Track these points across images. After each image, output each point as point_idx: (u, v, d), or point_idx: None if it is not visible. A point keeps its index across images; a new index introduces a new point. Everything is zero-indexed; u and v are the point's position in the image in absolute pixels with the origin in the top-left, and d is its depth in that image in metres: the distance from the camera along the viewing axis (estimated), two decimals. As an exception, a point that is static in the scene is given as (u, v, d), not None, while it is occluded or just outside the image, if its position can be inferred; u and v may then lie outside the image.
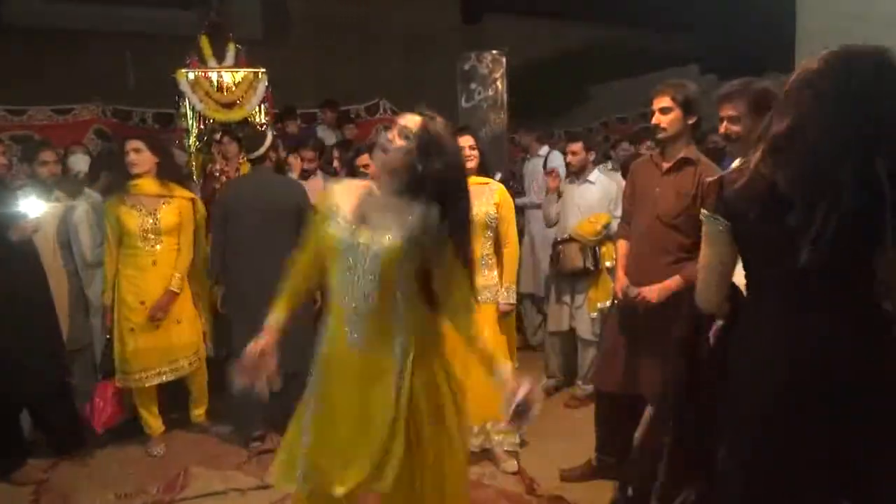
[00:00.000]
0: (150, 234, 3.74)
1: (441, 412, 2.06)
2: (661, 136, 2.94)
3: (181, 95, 4.99)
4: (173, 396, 4.09)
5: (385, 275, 1.93)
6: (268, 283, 3.46)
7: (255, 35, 10.11)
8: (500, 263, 3.63)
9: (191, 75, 4.96)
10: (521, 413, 1.87)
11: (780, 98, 1.73)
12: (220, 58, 5.12)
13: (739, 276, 1.89)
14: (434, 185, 1.90)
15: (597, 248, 4.22)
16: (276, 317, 2.15)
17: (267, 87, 5.18)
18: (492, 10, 13.17)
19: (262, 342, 2.06)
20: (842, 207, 1.56)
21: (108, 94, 7.28)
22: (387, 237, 1.93)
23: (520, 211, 4.37)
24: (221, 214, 3.87)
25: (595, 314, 4.25)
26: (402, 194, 1.94)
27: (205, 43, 5.09)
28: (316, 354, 2.10)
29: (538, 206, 5.45)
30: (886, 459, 1.67)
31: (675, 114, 2.89)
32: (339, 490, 1.95)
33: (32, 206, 3.62)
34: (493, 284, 3.56)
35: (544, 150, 5.85)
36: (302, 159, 4.99)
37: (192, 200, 3.97)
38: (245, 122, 5.06)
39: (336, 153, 4.69)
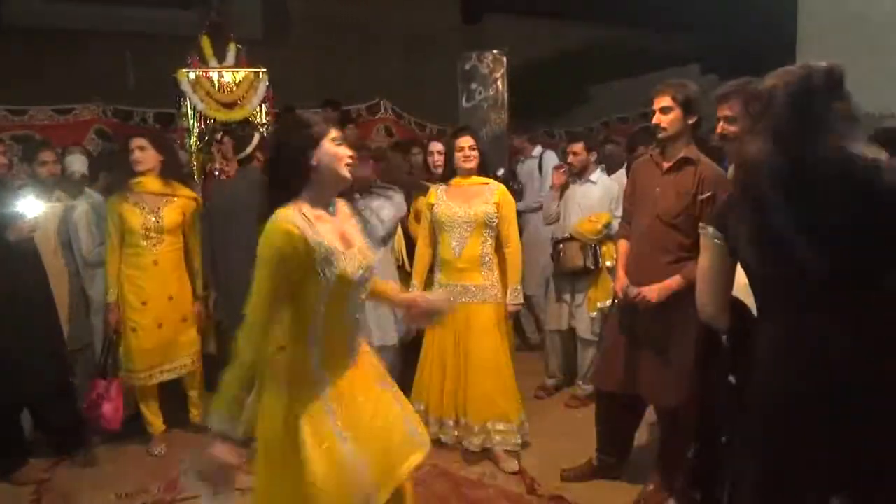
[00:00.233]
0: (152, 233, 3.74)
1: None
2: (661, 135, 2.94)
3: (182, 95, 4.99)
4: (173, 396, 4.09)
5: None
6: None
7: (255, 35, 10.11)
8: (500, 264, 3.63)
9: (192, 75, 4.96)
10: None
11: (749, 116, 1.77)
12: (220, 58, 5.12)
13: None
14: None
15: (597, 248, 4.22)
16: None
17: (268, 86, 5.18)
18: (492, 10, 13.17)
19: (229, 455, 1.85)
20: (835, 211, 1.60)
21: (108, 94, 7.26)
22: (367, 248, 1.97)
23: (518, 214, 4.37)
24: (209, 217, 3.87)
25: (595, 314, 4.25)
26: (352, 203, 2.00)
27: (205, 43, 5.09)
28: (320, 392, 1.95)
29: (534, 210, 5.46)
30: (887, 460, 1.68)
31: (676, 113, 2.89)
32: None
33: (32, 206, 3.62)
34: (492, 285, 3.56)
35: (537, 150, 5.84)
36: None
37: (196, 200, 3.98)
38: (246, 122, 5.06)
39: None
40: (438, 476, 3.50)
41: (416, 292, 2.76)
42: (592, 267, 4.20)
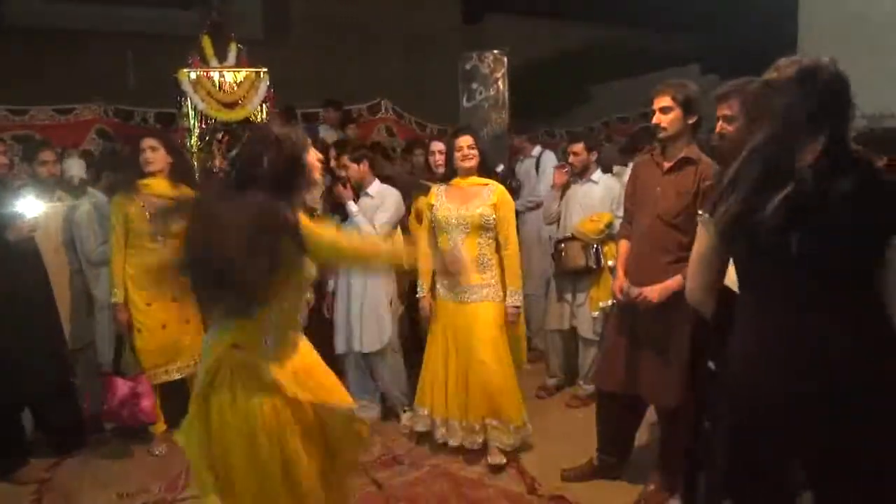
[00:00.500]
0: (159, 235, 3.74)
1: None
2: (661, 135, 2.94)
3: (183, 95, 4.99)
4: (175, 396, 4.09)
5: None
6: None
7: (256, 35, 10.13)
8: (501, 264, 3.61)
9: (192, 75, 4.95)
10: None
11: (748, 108, 1.78)
12: (221, 58, 5.11)
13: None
14: None
15: (599, 247, 4.22)
16: None
17: (268, 86, 5.18)
18: (492, 10, 13.19)
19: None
20: (826, 206, 1.62)
21: (109, 94, 7.28)
22: None
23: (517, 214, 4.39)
24: None
25: (597, 313, 4.25)
26: None
27: (206, 43, 5.08)
28: None
29: (530, 209, 5.47)
30: (878, 458, 1.70)
31: (676, 113, 2.89)
32: None
33: (32, 206, 3.63)
34: (490, 285, 3.55)
35: (536, 150, 5.84)
36: None
37: None
38: (247, 122, 5.06)
39: (334, 153, 4.69)
40: (439, 476, 3.50)
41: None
42: (594, 266, 4.20)
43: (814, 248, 1.66)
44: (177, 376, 3.84)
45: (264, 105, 5.21)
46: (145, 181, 3.73)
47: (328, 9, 11.90)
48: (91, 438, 3.99)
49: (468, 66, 6.29)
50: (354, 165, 4.00)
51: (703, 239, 1.94)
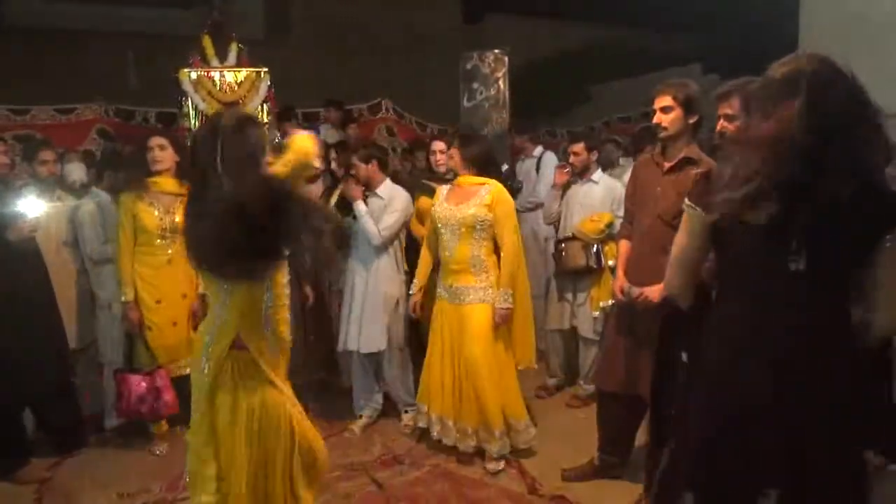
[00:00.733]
0: (167, 233, 3.75)
1: None
2: (662, 135, 2.94)
3: (184, 95, 4.99)
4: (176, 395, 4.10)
5: None
6: None
7: (256, 35, 10.12)
8: (499, 265, 3.60)
9: (193, 75, 4.95)
10: None
11: (755, 102, 1.78)
12: (222, 57, 5.11)
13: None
14: None
15: (600, 247, 4.22)
16: None
17: (269, 86, 5.18)
18: (493, 10, 13.18)
19: None
20: (820, 208, 1.63)
21: (110, 94, 7.28)
22: None
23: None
24: None
25: (598, 313, 4.25)
26: None
27: (207, 42, 5.08)
28: None
29: (529, 210, 5.47)
30: (829, 457, 1.73)
31: (677, 113, 2.89)
32: None
33: (33, 206, 3.63)
34: (484, 287, 3.53)
35: (538, 150, 5.84)
36: None
37: None
38: (247, 122, 5.06)
39: (335, 154, 4.70)
40: (439, 476, 3.50)
41: None
42: (595, 266, 4.20)
43: (812, 251, 1.67)
44: (184, 373, 3.85)
45: (265, 105, 5.21)
46: (154, 179, 3.75)
47: (329, 9, 11.90)
48: (91, 438, 3.99)
49: (469, 66, 6.29)
50: (363, 165, 3.96)
51: (688, 230, 1.92)
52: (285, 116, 6.38)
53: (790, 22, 6.18)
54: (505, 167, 5.20)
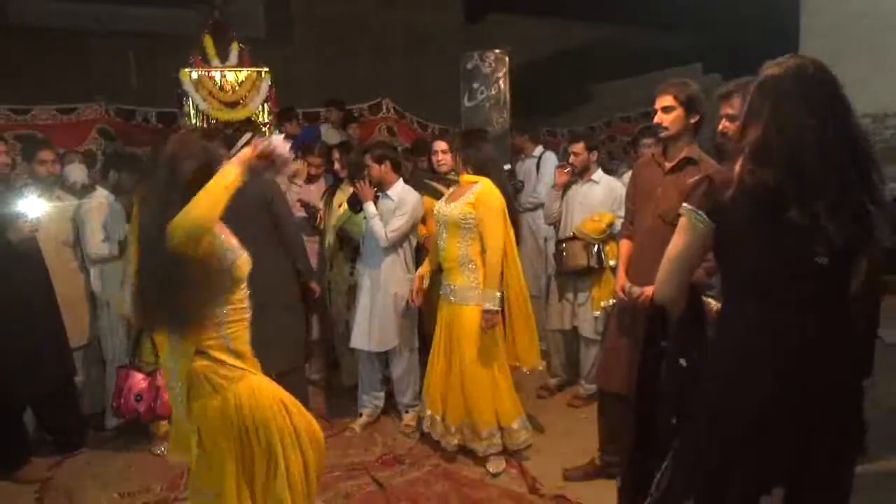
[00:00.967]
0: None
1: None
2: (663, 134, 2.94)
3: (185, 95, 4.99)
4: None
5: None
6: (248, 281, 3.54)
7: (258, 34, 10.13)
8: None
9: (194, 74, 4.95)
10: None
11: (749, 106, 1.78)
12: (223, 57, 5.11)
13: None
14: None
15: (601, 247, 4.21)
16: None
17: (270, 86, 5.18)
18: (494, 10, 13.18)
19: None
20: (836, 206, 1.63)
21: (111, 94, 7.29)
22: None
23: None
24: None
25: (599, 313, 4.25)
26: None
27: (208, 42, 5.08)
28: None
29: (530, 209, 5.46)
30: (830, 454, 1.75)
31: (678, 112, 2.88)
32: None
33: (33, 206, 3.63)
34: (474, 286, 3.52)
35: (538, 150, 5.83)
36: (309, 164, 5.03)
37: None
38: (248, 122, 5.06)
39: (337, 154, 4.70)
40: (440, 476, 3.50)
41: None
42: (596, 266, 4.20)
43: (833, 250, 1.67)
44: None
45: (266, 105, 5.22)
46: None
47: (330, 8, 11.91)
48: (92, 437, 4.00)
49: (470, 66, 6.29)
50: (376, 166, 3.93)
51: (687, 233, 1.89)
52: (286, 116, 6.39)
53: (791, 22, 6.18)
54: (507, 167, 5.20)
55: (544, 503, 3.23)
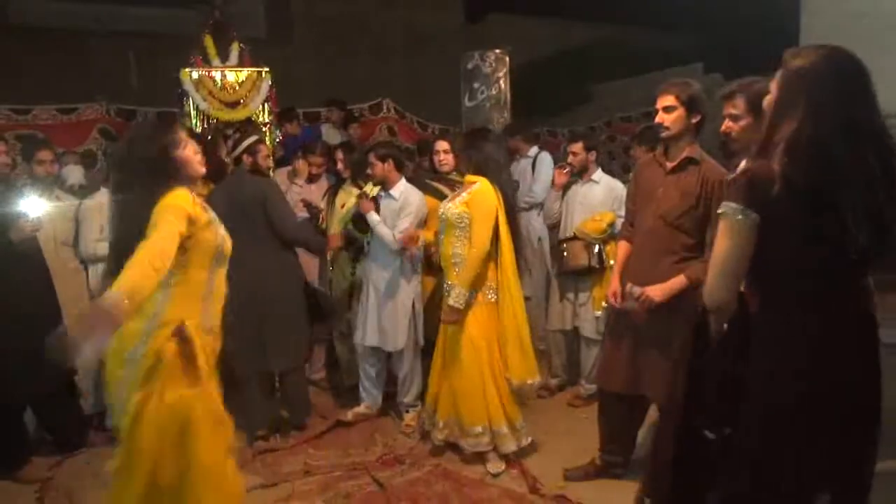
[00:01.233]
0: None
1: None
2: (664, 134, 2.93)
3: (185, 95, 5.00)
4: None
5: None
6: (248, 281, 3.52)
7: (258, 34, 10.14)
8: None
9: (194, 74, 4.95)
10: None
11: (780, 99, 1.75)
12: (223, 57, 5.11)
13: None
14: None
15: (602, 247, 4.21)
16: None
17: (270, 86, 5.18)
18: (495, 9, 13.19)
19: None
20: (876, 202, 1.64)
21: (111, 94, 7.30)
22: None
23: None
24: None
25: (600, 313, 4.24)
26: None
27: (209, 42, 5.08)
28: None
29: (525, 209, 5.45)
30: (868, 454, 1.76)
31: (679, 112, 2.88)
32: None
33: (34, 205, 3.63)
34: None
35: (533, 150, 5.83)
36: (310, 164, 5.03)
37: None
38: (249, 122, 5.06)
39: (339, 154, 4.70)
40: (440, 476, 3.50)
41: None
42: (597, 266, 4.19)
43: (873, 240, 1.68)
44: None
45: (266, 104, 5.22)
46: None
47: (330, 8, 11.92)
48: (92, 437, 3.99)
49: (470, 66, 6.29)
50: (379, 164, 3.95)
51: (733, 234, 1.79)
52: (287, 117, 6.39)
53: (792, 21, 6.18)
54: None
55: (545, 503, 3.22)
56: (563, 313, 4.45)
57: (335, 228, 4.38)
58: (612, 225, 4.18)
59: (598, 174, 4.42)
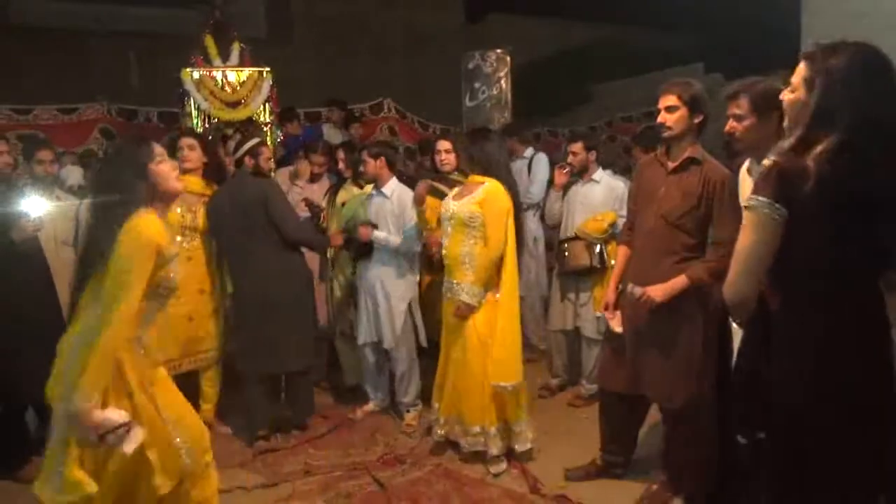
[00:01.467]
0: (187, 231, 3.82)
1: None
2: (666, 134, 2.93)
3: (186, 94, 5.00)
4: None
5: None
6: (253, 282, 3.52)
7: (258, 34, 10.14)
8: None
9: (195, 74, 4.96)
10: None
11: (823, 95, 1.72)
12: (224, 57, 5.12)
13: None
14: None
15: (603, 247, 4.21)
16: None
17: (271, 85, 5.18)
18: (495, 9, 13.20)
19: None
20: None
21: (112, 94, 7.31)
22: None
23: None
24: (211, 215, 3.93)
25: (601, 313, 4.23)
26: None
27: (209, 42, 5.09)
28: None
29: (522, 210, 5.44)
30: None
31: (681, 112, 2.87)
32: None
33: (35, 205, 3.63)
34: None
35: (528, 151, 5.81)
36: (312, 163, 5.04)
37: None
38: (250, 122, 5.07)
39: (341, 154, 4.70)
40: (441, 476, 3.50)
41: None
42: (598, 266, 4.19)
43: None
44: (192, 367, 3.92)
45: (267, 104, 5.23)
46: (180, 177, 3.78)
47: (331, 8, 11.92)
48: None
49: (471, 66, 6.29)
50: (371, 161, 4.01)
51: (759, 228, 1.76)
52: (287, 117, 6.39)
53: (792, 21, 6.17)
54: None
55: (545, 503, 3.22)
56: (565, 313, 4.44)
57: (335, 227, 4.39)
58: (613, 225, 4.18)
59: (599, 174, 4.40)
